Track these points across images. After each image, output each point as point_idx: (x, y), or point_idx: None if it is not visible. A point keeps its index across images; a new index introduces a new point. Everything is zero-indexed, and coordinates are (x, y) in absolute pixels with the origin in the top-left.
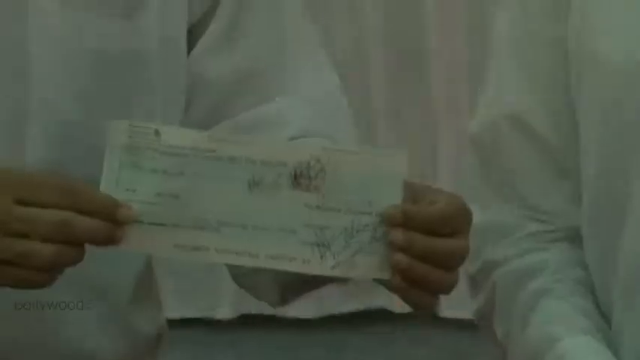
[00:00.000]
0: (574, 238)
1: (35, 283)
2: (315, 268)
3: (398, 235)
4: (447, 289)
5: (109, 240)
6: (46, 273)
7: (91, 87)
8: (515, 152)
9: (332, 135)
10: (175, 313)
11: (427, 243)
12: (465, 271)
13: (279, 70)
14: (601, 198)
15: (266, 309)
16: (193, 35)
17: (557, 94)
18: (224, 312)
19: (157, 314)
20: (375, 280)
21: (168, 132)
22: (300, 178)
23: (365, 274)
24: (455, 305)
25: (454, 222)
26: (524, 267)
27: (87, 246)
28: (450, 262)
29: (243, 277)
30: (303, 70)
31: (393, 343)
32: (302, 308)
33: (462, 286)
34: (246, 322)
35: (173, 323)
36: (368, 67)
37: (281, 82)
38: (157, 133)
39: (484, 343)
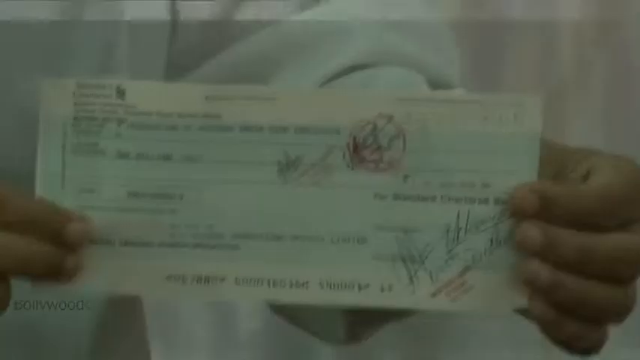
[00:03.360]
0: None
1: None
2: (402, 299)
3: (533, 233)
4: (620, 313)
5: (55, 272)
6: None
7: None
8: None
9: (427, 65)
10: None
11: (582, 243)
12: None
13: None
14: None
15: None
16: None
17: None
18: None
19: None
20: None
21: (139, 91)
22: (363, 151)
23: (485, 302)
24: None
25: (625, 206)
26: None
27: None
28: (620, 271)
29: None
30: None
31: None
32: None
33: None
34: None
35: None
36: None
37: None
38: (120, 93)
39: None
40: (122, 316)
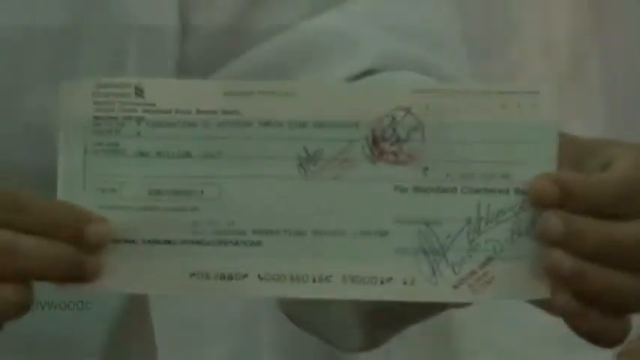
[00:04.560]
0: None
1: None
2: (425, 292)
3: (555, 223)
4: None
5: (78, 274)
6: None
7: None
8: None
9: (436, 67)
10: None
11: (604, 232)
12: None
13: None
14: None
15: None
16: None
17: None
18: None
19: None
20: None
21: (157, 88)
22: (382, 144)
23: (507, 292)
24: None
25: None
26: None
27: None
28: None
29: (299, 309)
30: None
31: None
32: None
33: None
34: None
35: None
36: None
37: None
38: (139, 91)
39: None
40: (131, 318)
